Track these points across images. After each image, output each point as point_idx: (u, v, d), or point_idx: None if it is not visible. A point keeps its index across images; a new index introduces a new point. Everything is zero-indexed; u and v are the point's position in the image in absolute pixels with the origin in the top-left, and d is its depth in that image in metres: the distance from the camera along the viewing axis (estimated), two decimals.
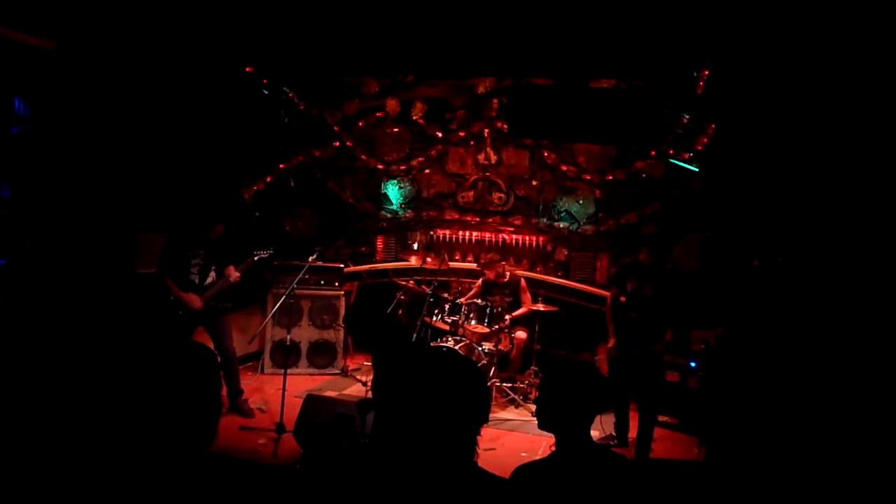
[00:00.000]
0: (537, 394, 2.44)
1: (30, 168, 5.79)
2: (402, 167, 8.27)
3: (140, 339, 5.53)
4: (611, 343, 5.51)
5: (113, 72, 6.12)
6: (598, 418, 6.02)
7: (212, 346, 5.83)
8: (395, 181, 8.33)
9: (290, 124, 8.10)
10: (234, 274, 5.80)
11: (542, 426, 2.41)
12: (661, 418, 5.97)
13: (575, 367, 2.47)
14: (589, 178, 7.71)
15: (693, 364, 6.02)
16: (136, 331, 5.82)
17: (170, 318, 5.66)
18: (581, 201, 7.77)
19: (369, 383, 6.75)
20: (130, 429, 1.74)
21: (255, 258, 5.86)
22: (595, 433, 5.78)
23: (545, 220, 7.95)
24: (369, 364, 7.68)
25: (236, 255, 5.89)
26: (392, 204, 8.41)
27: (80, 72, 5.92)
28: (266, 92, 7.68)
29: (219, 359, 5.76)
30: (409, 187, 8.35)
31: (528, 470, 2.29)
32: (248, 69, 7.37)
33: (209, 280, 5.81)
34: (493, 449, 5.30)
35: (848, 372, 4.57)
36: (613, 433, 5.60)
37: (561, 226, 7.88)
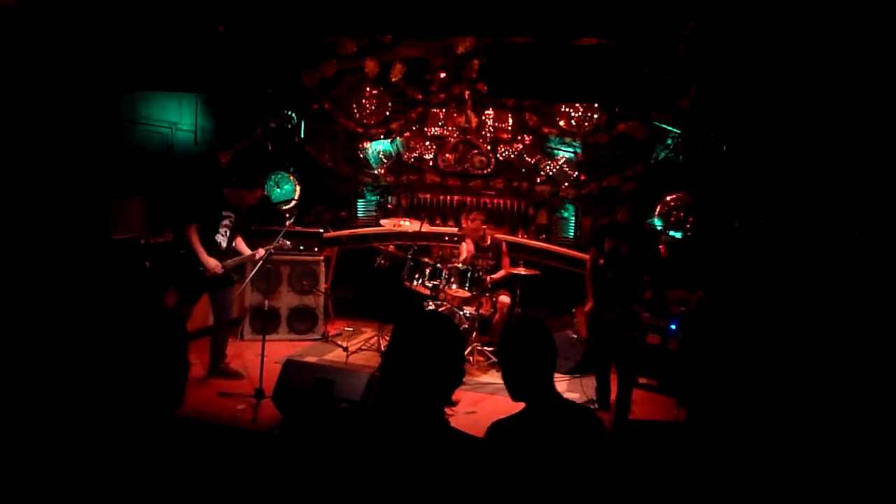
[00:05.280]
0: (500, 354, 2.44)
1: None
2: (382, 130, 8.14)
3: (108, 305, 5.44)
4: (588, 306, 5.50)
5: (80, 29, 5.90)
6: (578, 382, 6.10)
7: (211, 308, 5.98)
8: (377, 142, 8.21)
9: (267, 86, 7.91)
10: (260, 252, 5.76)
11: (513, 397, 2.40)
12: (641, 380, 6.02)
13: (522, 328, 2.47)
14: (570, 140, 7.65)
15: (673, 326, 6.04)
16: (106, 297, 5.72)
17: (189, 273, 5.55)
18: (563, 164, 7.70)
19: (350, 348, 6.74)
20: (95, 393, 1.69)
21: (281, 245, 5.72)
22: (576, 396, 5.83)
23: (526, 183, 7.90)
24: (350, 329, 7.65)
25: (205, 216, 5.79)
26: (372, 168, 8.30)
27: (45, 29, 5.70)
28: (241, 53, 7.48)
29: (213, 319, 5.83)
30: (390, 149, 8.24)
31: (500, 426, 2.28)
32: (220, 28, 7.15)
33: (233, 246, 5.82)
34: (474, 412, 5.31)
35: (828, 333, 4.61)
36: (595, 397, 5.62)
37: (543, 189, 7.83)
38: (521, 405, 2.37)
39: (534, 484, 2.14)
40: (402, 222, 7.40)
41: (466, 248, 6.99)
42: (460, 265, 6.54)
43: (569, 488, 2.17)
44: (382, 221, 7.96)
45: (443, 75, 7.88)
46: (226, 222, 5.72)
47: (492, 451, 2.17)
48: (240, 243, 5.95)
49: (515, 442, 2.22)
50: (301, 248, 7.34)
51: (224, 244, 5.74)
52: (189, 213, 5.64)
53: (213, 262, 5.57)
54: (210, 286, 5.73)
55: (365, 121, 8.10)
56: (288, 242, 5.76)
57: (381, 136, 8.17)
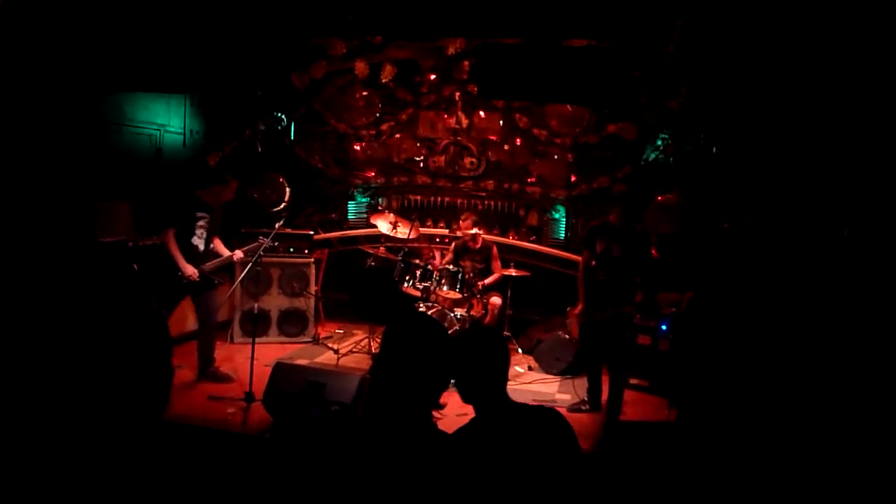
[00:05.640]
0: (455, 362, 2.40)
1: None
2: (372, 132, 8.12)
3: (94, 307, 5.38)
4: (579, 307, 5.48)
5: (67, 30, 5.85)
6: (570, 382, 6.09)
7: (195, 311, 5.90)
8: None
9: (256, 88, 7.88)
10: (238, 254, 5.72)
11: (463, 399, 2.37)
12: (632, 381, 6.02)
13: (476, 335, 2.45)
14: (560, 141, 7.66)
15: (664, 327, 6.05)
16: (92, 299, 5.66)
17: (168, 279, 5.46)
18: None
19: (341, 351, 6.71)
20: (80, 396, 1.67)
21: (262, 245, 5.64)
22: (567, 397, 5.82)
23: (517, 184, 7.90)
24: (341, 332, 7.63)
25: (230, 229, 5.77)
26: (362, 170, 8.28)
27: (31, 29, 5.65)
28: (230, 54, 7.44)
29: (197, 323, 5.78)
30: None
31: (455, 438, 2.24)
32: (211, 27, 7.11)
33: (210, 248, 5.74)
34: (465, 414, 5.28)
35: (818, 333, 4.62)
36: (586, 398, 5.62)
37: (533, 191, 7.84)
38: None
39: (494, 489, 2.09)
40: (391, 223, 7.34)
41: (449, 249, 7.02)
42: (451, 267, 6.53)
43: (531, 491, 2.12)
44: (374, 220, 7.93)
45: (433, 77, 7.88)
46: (201, 223, 5.63)
47: (451, 458, 2.12)
48: (218, 244, 5.86)
49: (471, 448, 2.18)
50: (291, 250, 7.31)
51: (201, 247, 5.66)
52: (164, 217, 5.55)
53: (189, 269, 5.48)
54: (191, 290, 5.65)
55: (355, 122, 8.08)
56: (269, 241, 5.65)
57: (371, 138, 8.16)
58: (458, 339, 2.44)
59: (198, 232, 5.62)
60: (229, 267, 7.29)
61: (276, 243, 5.83)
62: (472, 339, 2.40)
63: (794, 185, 5.78)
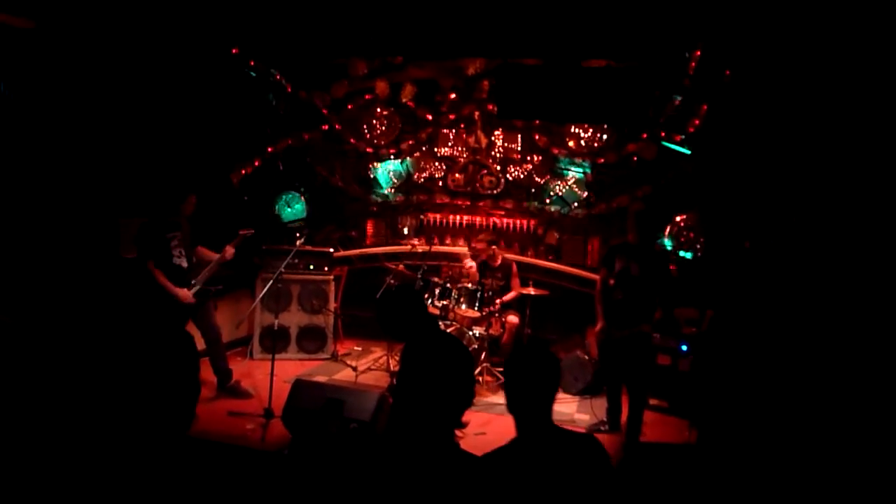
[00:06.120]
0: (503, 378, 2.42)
1: (8, 150, 5.68)
2: (392, 150, 8.19)
3: (122, 324, 5.44)
4: (598, 326, 5.47)
5: (95, 52, 5.99)
6: (589, 402, 6.05)
7: (196, 328, 5.77)
8: (388, 161, 8.25)
9: (279, 107, 7.99)
10: (230, 251, 5.63)
11: (509, 409, 2.38)
12: (652, 401, 5.97)
13: (534, 352, 2.44)
14: (580, 161, 7.66)
15: (684, 347, 6.00)
16: (120, 316, 5.72)
17: (163, 309, 5.36)
18: (572, 184, 7.71)
19: (360, 368, 6.73)
20: (109, 412, 1.70)
21: (244, 235, 5.66)
22: (586, 417, 5.78)
23: (536, 203, 7.90)
24: (359, 349, 7.65)
25: (218, 235, 5.75)
26: (381, 188, 8.33)
27: (60, 52, 5.80)
28: (253, 74, 7.57)
29: (203, 340, 5.79)
30: (400, 168, 8.28)
31: (491, 459, 2.24)
32: (234, 50, 7.25)
33: (194, 261, 5.66)
34: (484, 433, 5.27)
35: (840, 355, 4.56)
36: (605, 418, 5.58)
37: (552, 209, 7.83)
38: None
39: None
40: (411, 241, 7.35)
41: (474, 267, 7.02)
42: (470, 285, 6.53)
43: None
44: (392, 241, 7.98)
45: (453, 96, 7.93)
46: (175, 242, 5.47)
47: (486, 483, 2.11)
48: (203, 252, 5.75)
49: (509, 470, 2.18)
50: (311, 267, 7.37)
51: (184, 264, 5.53)
52: (139, 253, 5.40)
53: (182, 292, 5.42)
54: (190, 312, 5.59)
55: (375, 141, 8.15)
56: (249, 231, 5.66)
57: (392, 157, 8.22)
58: (514, 353, 2.45)
59: (175, 252, 5.47)
60: (248, 281, 7.38)
61: (253, 230, 5.76)
62: (530, 356, 2.41)
63: (817, 203, 5.73)
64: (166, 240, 5.43)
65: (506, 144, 7.95)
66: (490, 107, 7.70)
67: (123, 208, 6.40)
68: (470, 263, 6.98)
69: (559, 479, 2.17)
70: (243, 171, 7.76)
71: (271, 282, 5.70)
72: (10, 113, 5.67)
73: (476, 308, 6.42)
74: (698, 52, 6.39)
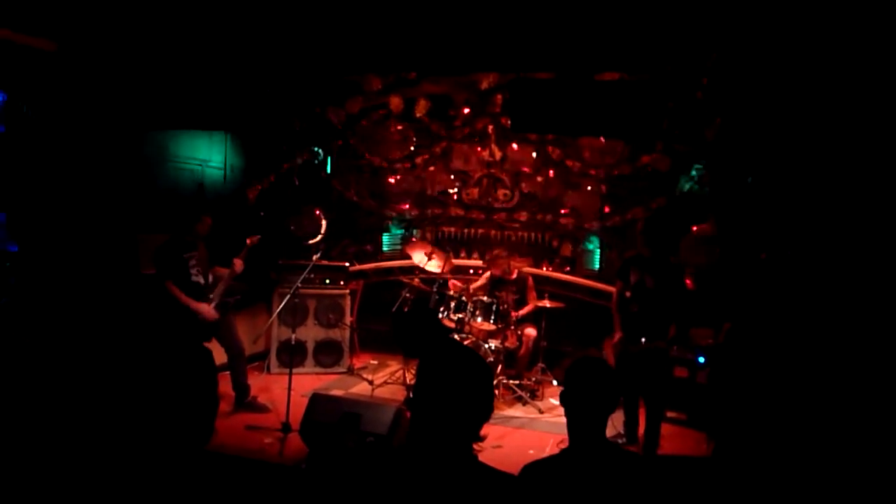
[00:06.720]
0: (562, 390, 2.42)
1: (30, 170, 5.79)
2: (407, 165, 8.24)
3: (141, 339, 5.50)
4: (616, 337, 5.46)
5: (115, 73, 6.10)
6: None
7: (219, 343, 5.82)
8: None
9: (294, 123, 8.08)
10: (239, 264, 5.68)
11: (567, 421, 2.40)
12: (669, 414, 5.93)
13: (593, 366, 2.45)
14: (594, 173, 7.67)
15: (701, 360, 5.97)
16: (139, 331, 5.79)
17: (184, 325, 5.46)
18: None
19: (376, 381, 6.75)
20: (128, 427, 1.73)
21: (250, 244, 5.71)
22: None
23: (550, 215, 7.91)
24: (375, 363, 7.67)
25: (231, 250, 5.81)
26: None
27: (82, 73, 5.91)
28: (269, 90, 7.66)
29: (226, 355, 5.84)
30: None
31: (537, 467, 2.26)
32: (250, 67, 7.34)
33: (210, 280, 5.72)
34: (500, 447, 5.27)
35: (858, 367, 4.52)
36: (622, 431, 5.55)
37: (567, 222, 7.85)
38: (547, 439, 2.36)
39: None
40: (426, 254, 7.33)
41: (484, 277, 7.04)
42: (485, 298, 6.55)
43: None
44: (408, 251, 8.00)
45: (466, 110, 7.99)
46: (192, 262, 5.56)
47: (528, 493, 2.14)
48: (219, 272, 5.79)
49: (554, 487, 2.20)
50: (327, 281, 7.42)
51: (202, 280, 5.61)
52: (157, 273, 5.48)
53: (205, 308, 5.50)
54: (213, 329, 5.64)
55: (390, 156, 8.21)
56: (256, 239, 5.70)
57: (406, 171, 8.28)
58: (573, 367, 2.46)
59: (192, 270, 5.55)
60: (265, 296, 7.43)
61: (258, 238, 5.78)
62: (592, 371, 2.41)
63: (834, 215, 5.70)
64: (184, 259, 5.53)
65: (520, 157, 7.97)
66: (504, 120, 7.74)
67: (142, 224, 6.49)
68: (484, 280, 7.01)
69: (606, 494, 2.19)
70: (259, 187, 7.85)
71: (288, 296, 5.75)
72: (33, 132, 5.79)
73: (492, 321, 6.42)
74: (710, 64, 6.39)
